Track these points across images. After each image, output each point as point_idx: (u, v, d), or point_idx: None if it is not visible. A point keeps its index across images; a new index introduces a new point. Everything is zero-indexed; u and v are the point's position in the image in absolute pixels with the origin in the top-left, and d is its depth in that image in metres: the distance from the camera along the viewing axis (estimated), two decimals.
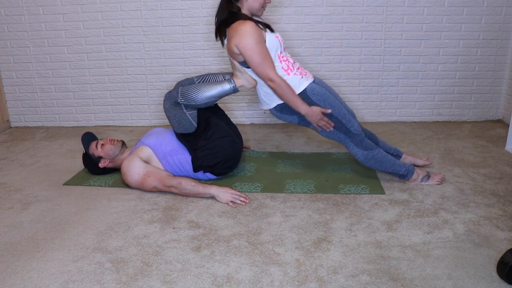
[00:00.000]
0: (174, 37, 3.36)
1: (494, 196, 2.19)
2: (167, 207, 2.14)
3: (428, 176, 2.32)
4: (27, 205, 2.20)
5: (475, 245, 1.76)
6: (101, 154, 2.44)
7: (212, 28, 3.31)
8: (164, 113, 3.53)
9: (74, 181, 2.48)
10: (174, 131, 2.38)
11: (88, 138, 2.51)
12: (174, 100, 2.27)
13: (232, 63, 2.28)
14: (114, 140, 2.48)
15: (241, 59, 2.19)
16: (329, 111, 2.19)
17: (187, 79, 2.45)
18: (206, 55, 3.40)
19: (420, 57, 3.35)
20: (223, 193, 2.18)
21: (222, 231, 1.91)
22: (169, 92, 2.30)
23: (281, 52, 2.21)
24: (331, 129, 2.23)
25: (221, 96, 2.29)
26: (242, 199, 2.16)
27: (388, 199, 2.17)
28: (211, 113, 2.39)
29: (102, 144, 2.45)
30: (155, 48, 3.39)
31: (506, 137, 2.99)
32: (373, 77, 3.41)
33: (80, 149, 3.02)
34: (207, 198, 2.22)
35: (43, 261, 1.72)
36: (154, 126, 3.55)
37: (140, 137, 3.22)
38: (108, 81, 3.49)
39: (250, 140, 3.14)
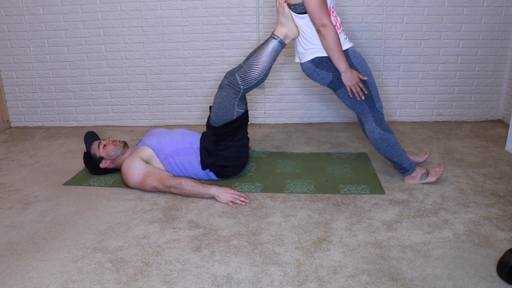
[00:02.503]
0: (174, 37, 3.36)
1: (494, 196, 2.19)
2: (167, 207, 2.14)
3: (427, 173, 2.32)
4: (27, 205, 2.20)
5: (475, 245, 1.76)
6: (103, 154, 2.44)
7: (212, 28, 3.32)
8: (166, 113, 3.53)
9: (74, 181, 2.48)
10: (210, 116, 2.37)
11: (91, 137, 2.51)
12: (235, 89, 2.27)
13: (278, 10, 2.22)
14: (116, 141, 2.48)
15: (296, 1, 2.12)
16: (366, 78, 2.18)
17: (233, 69, 2.42)
18: (206, 55, 3.40)
19: (420, 57, 3.35)
20: (223, 193, 2.17)
21: (222, 231, 1.91)
22: (230, 77, 2.29)
23: (332, 7, 2.17)
24: (363, 97, 2.20)
25: (274, 56, 2.27)
26: (242, 199, 2.16)
27: (388, 199, 2.17)
28: (246, 122, 2.41)
29: (104, 145, 2.45)
30: (155, 48, 3.39)
31: (506, 137, 2.99)
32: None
33: (80, 149, 3.02)
34: (207, 198, 2.22)
35: (43, 261, 1.72)
36: (154, 126, 3.55)
37: (140, 137, 3.22)
38: (108, 81, 3.49)
39: (250, 140, 3.14)
